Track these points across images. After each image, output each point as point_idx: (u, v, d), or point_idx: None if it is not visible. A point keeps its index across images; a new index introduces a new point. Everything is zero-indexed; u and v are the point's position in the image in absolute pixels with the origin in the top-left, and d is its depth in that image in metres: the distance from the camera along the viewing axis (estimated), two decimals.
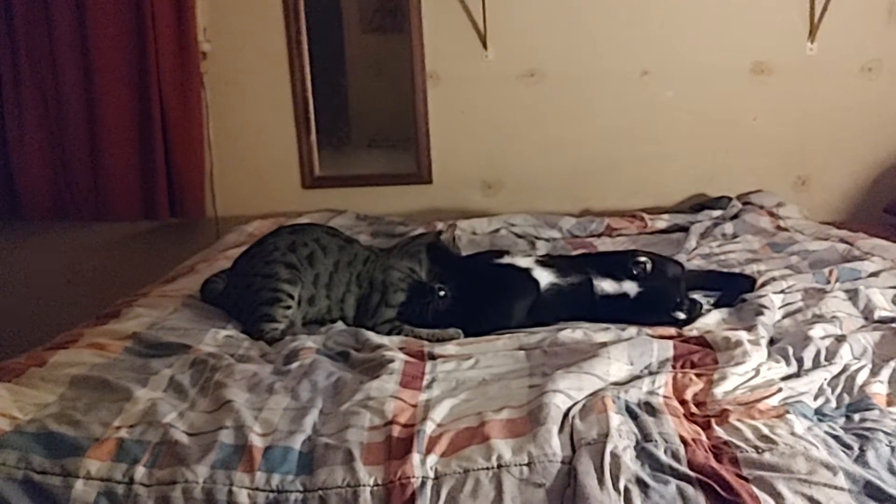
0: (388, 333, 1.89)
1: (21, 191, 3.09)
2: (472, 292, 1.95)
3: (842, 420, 1.40)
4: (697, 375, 1.54)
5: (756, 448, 1.28)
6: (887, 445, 1.29)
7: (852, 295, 1.97)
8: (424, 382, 1.56)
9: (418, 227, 2.76)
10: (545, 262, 2.05)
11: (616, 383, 1.52)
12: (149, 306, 2.02)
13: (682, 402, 1.46)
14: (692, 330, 1.83)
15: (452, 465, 1.27)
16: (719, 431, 1.34)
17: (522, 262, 2.04)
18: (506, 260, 2.07)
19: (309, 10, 3.09)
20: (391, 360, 1.63)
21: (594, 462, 1.24)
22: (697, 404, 1.46)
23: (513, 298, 1.93)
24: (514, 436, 1.32)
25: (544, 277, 1.96)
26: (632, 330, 1.80)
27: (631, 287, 1.97)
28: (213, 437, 1.35)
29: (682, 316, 1.87)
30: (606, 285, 1.97)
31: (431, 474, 1.25)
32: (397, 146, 3.27)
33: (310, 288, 1.94)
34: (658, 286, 1.97)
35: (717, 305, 2.00)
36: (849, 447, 1.29)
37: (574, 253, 2.50)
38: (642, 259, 1.99)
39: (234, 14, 3.10)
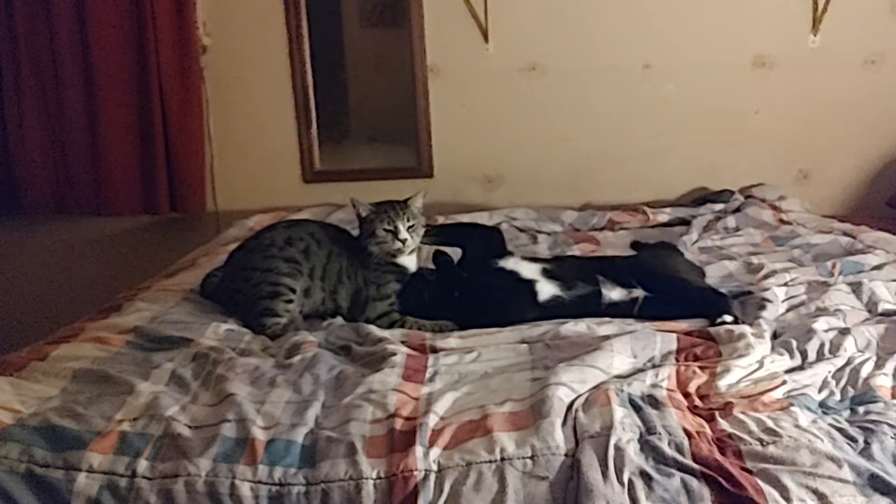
0: (390, 327, 1.89)
1: (21, 185, 3.08)
2: (468, 298, 1.91)
3: (846, 413, 1.40)
4: (701, 368, 1.54)
5: (760, 441, 1.28)
6: (892, 438, 1.29)
7: (856, 288, 1.97)
8: (427, 375, 1.56)
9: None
10: (552, 272, 1.95)
11: (619, 376, 1.52)
12: (150, 300, 2.02)
13: (686, 395, 1.46)
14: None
15: (455, 458, 1.27)
16: (723, 424, 1.34)
17: (527, 271, 1.95)
18: (511, 264, 1.99)
19: (309, 4, 3.09)
20: (393, 354, 1.63)
21: (598, 455, 1.24)
22: (701, 397, 1.45)
23: (505, 317, 1.86)
24: (516, 429, 1.32)
25: (547, 290, 1.90)
26: (635, 323, 1.79)
27: (640, 292, 1.91)
28: (216, 431, 1.34)
29: (730, 319, 1.78)
30: (615, 294, 1.91)
31: (434, 467, 1.25)
32: (398, 140, 3.26)
33: (306, 280, 1.94)
34: (669, 287, 1.94)
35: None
36: (854, 440, 1.29)
37: (581, 253, 2.47)
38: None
39: (234, 8, 3.09)
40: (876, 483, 1.19)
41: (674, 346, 1.63)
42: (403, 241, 1.94)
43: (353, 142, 3.35)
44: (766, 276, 2.09)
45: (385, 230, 1.94)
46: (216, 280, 2.07)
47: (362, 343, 1.76)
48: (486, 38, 3.06)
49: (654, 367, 1.55)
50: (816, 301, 1.90)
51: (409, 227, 1.96)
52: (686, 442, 1.28)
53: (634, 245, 2.45)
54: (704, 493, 1.18)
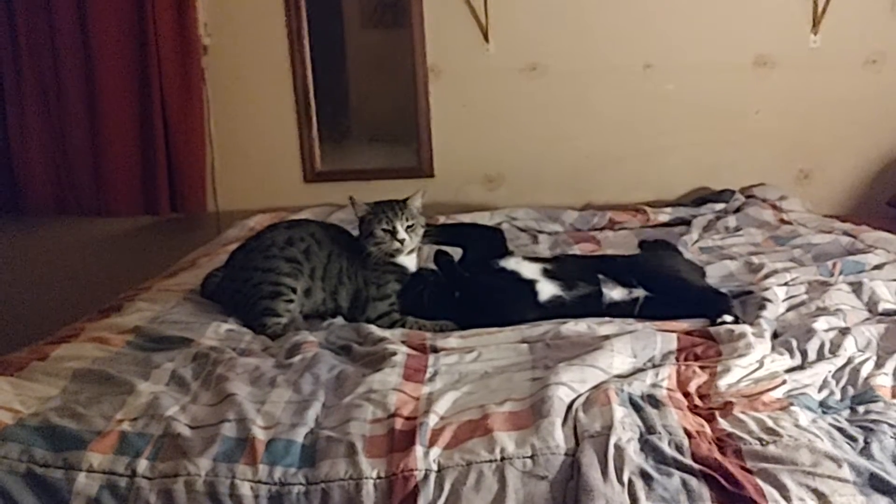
0: (390, 327, 1.89)
1: (22, 186, 3.09)
2: (469, 298, 1.91)
3: (846, 412, 1.40)
4: (701, 368, 1.54)
5: (760, 440, 1.28)
6: (892, 437, 1.29)
7: (856, 287, 1.96)
8: (427, 375, 1.56)
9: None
10: (552, 272, 1.94)
11: (619, 376, 1.52)
12: (150, 300, 2.02)
13: (686, 395, 1.46)
14: None
15: (455, 457, 1.27)
16: (723, 424, 1.34)
17: (528, 271, 1.94)
18: (512, 265, 1.98)
19: (310, 4, 3.09)
20: (393, 353, 1.63)
21: (598, 454, 1.24)
22: (701, 397, 1.45)
23: (506, 317, 1.86)
24: (517, 428, 1.32)
25: (547, 290, 1.90)
26: (635, 323, 1.79)
27: (641, 292, 1.91)
28: (216, 431, 1.35)
29: (730, 318, 1.78)
30: (616, 294, 1.90)
31: (434, 467, 1.25)
32: (399, 140, 3.26)
33: (307, 281, 1.94)
34: (670, 287, 1.94)
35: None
36: (853, 439, 1.29)
37: (582, 252, 2.47)
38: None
39: (235, 8, 3.10)
40: (875, 482, 1.19)
41: (674, 346, 1.63)
42: (402, 242, 1.94)
43: (353, 142, 3.35)
44: (766, 276, 2.09)
45: (383, 230, 1.94)
46: (217, 280, 2.07)
47: (363, 343, 1.76)
48: (486, 39, 3.06)
49: (654, 366, 1.55)
50: (817, 301, 1.90)
51: (408, 227, 1.95)
52: (686, 441, 1.28)
53: (641, 245, 2.45)
54: (704, 493, 1.18)
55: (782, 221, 2.75)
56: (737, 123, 3.12)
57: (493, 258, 2.02)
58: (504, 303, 1.89)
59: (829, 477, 1.19)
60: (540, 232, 2.81)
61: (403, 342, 1.74)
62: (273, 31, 3.09)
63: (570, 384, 1.43)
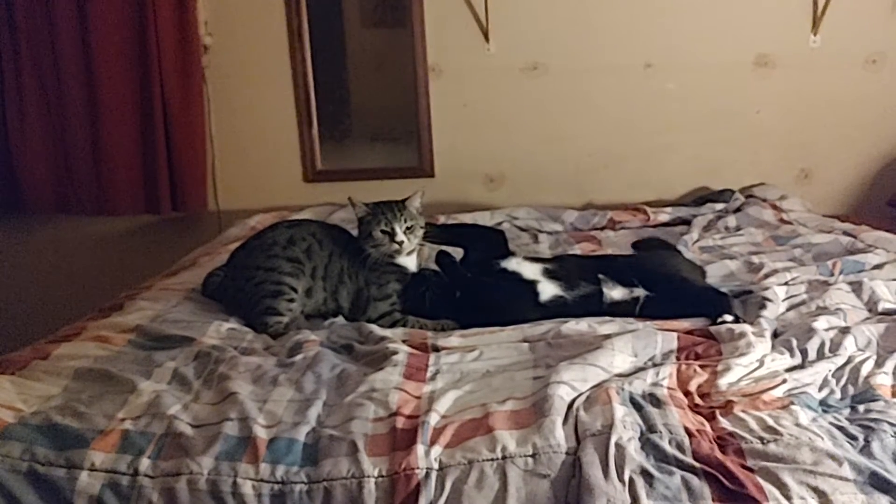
0: (392, 326, 1.89)
1: (23, 185, 3.09)
2: (470, 299, 1.92)
3: (847, 411, 1.40)
4: (702, 367, 1.54)
5: (761, 439, 1.28)
6: (892, 436, 1.29)
7: (856, 287, 1.97)
8: (428, 374, 1.56)
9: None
10: (553, 272, 1.94)
11: (620, 375, 1.52)
12: (152, 299, 2.02)
13: (687, 394, 1.46)
14: None
15: (457, 456, 1.27)
16: (724, 422, 1.34)
17: (529, 271, 1.95)
18: (513, 265, 1.98)
19: (310, 3, 3.09)
20: (395, 353, 1.63)
21: (599, 453, 1.24)
22: (702, 395, 1.46)
23: (507, 318, 1.85)
24: (518, 427, 1.32)
25: (549, 290, 1.90)
26: (636, 322, 1.79)
27: (641, 292, 1.91)
28: (218, 429, 1.35)
29: (730, 318, 1.78)
30: (617, 293, 1.91)
31: (436, 465, 1.26)
32: (399, 140, 3.26)
33: (308, 280, 1.94)
34: (670, 287, 1.94)
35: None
36: (854, 438, 1.29)
37: (583, 252, 2.47)
38: None
39: (236, 7, 3.10)
40: (876, 481, 1.20)
41: (675, 345, 1.64)
42: (400, 244, 1.93)
43: (354, 141, 3.35)
44: (766, 276, 2.10)
45: (382, 232, 1.94)
46: (218, 279, 2.07)
47: (364, 342, 1.76)
48: (486, 38, 3.07)
49: (654, 365, 1.55)
50: (817, 300, 1.90)
51: (407, 229, 1.95)
52: (687, 440, 1.28)
53: (635, 245, 2.46)
54: (705, 491, 1.19)
55: (782, 221, 2.75)
56: (737, 123, 3.12)
57: (495, 259, 2.02)
58: (506, 303, 1.90)
59: (830, 475, 1.20)
60: (541, 231, 2.81)
61: (405, 341, 1.74)
62: (273, 29, 3.09)
63: (571, 383, 1.44)
